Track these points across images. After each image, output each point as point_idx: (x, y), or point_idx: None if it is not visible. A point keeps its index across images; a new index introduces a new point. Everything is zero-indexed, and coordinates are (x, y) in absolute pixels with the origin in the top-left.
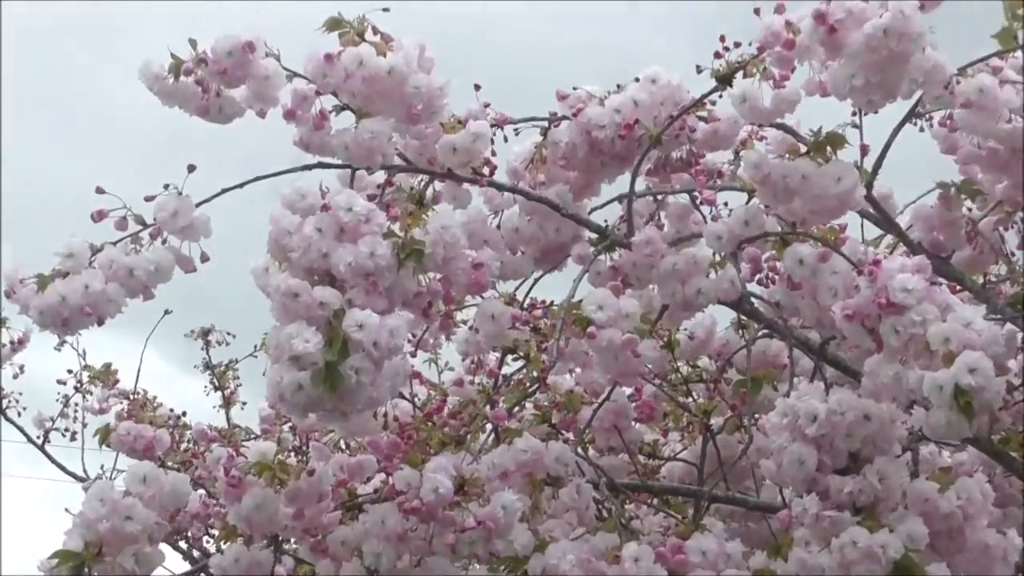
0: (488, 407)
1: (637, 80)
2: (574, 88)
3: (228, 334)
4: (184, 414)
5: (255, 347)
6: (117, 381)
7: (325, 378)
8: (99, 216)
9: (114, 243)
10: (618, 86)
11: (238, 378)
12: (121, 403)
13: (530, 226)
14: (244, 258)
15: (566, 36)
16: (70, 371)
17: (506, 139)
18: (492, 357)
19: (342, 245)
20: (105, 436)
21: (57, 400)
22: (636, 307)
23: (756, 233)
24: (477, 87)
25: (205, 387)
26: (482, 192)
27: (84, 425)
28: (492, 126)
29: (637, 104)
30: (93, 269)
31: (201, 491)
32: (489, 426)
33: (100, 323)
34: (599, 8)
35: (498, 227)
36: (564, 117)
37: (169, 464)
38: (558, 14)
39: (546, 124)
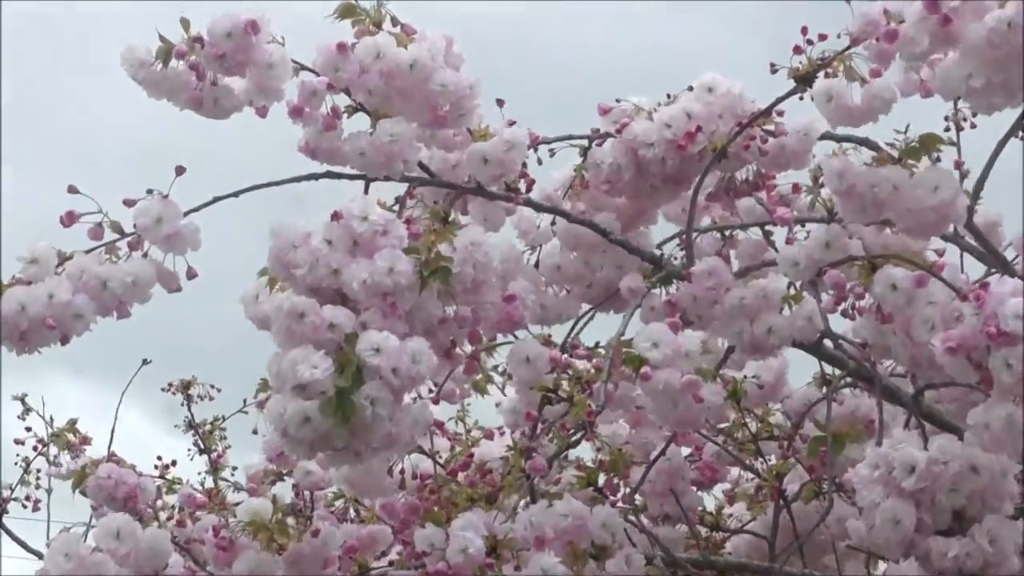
0: (525, 458)
1: (691, 89)
2: (617, 100)
3: (212, 387)
4: (174, 463)
5: (244, 402)
6: (86, 440)
7: (336, 408)
8: (69, 219)
9: (86, 251)
10: (669, 96)
11: (226, 438)
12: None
13: (574, 262)
14: (234, 296)
15: (619, 39)
16: (29, 429)
17: (540, 161)
18: None
19: (356, 260)
20: (80, 480)
21: (16, 464)
22: (697, 344)
23: (839, 257)
24: (500, 103)
25: (189, 450)
26: (516, 225)
27: (49, 492)
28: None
29: (691, 117)
30: (60, 277)
31: (186, 557)
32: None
33: (64, 341)
34: (656, 6)
35: (536, 265)
36: (607, 134)
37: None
38: (609, 11)
39: (586, 143)
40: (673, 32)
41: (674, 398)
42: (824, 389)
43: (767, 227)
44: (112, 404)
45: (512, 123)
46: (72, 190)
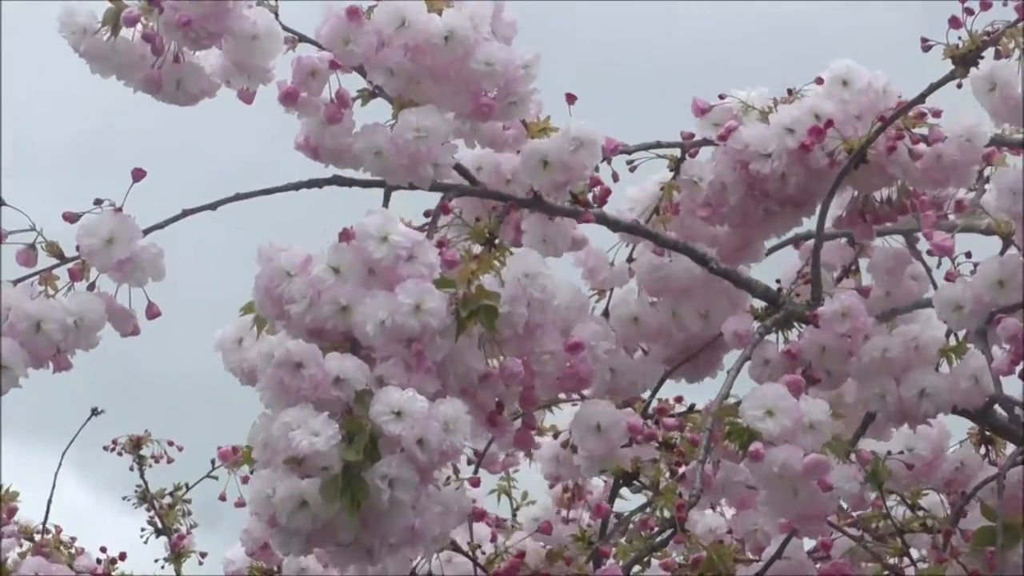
0: (592, 563)
1: (820, 81)
2: (721, 97)
3: (170, 444)
4: (122, 557)
5: (213, 463)
6: (15, 510)
7: (343, 490)
8: None
9: (14, 282)
10: (790, 92)
11: (190, 514)
12: (19, 545)
13: (658, 312)
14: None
15: (718, 7)
16: None
17: (616, 177)
18: (598, 482)
19: (371, 294)
20: None
21: None
22: (826, 413)
23: (1016, 300)
24: (570, 99)
25: (143, 530)
26: (581, 261)
27: None
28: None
29: (820, 119)
30: None
31: None
32: None
33: None
34: None
35: (606, 315)
36: (706, 142)
37: None
38: None
39: (679, 153)
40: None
41: (794, 485)
42: (988, 456)
43: (913, 234)
44: (48, 467)
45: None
46: None
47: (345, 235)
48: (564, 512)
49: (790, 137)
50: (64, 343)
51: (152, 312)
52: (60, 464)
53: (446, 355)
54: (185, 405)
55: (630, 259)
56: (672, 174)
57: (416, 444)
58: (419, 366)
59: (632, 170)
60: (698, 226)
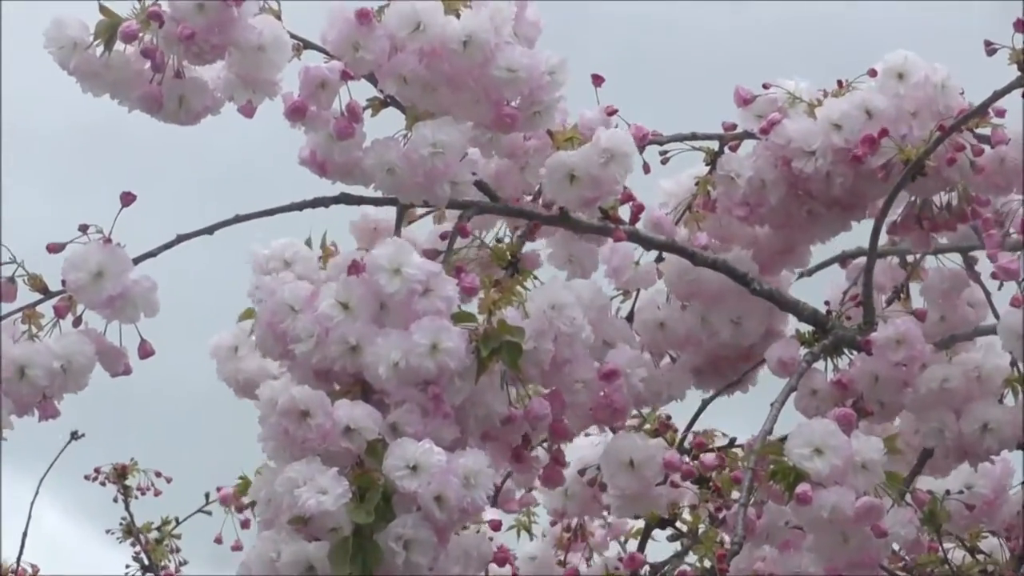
0: None
1: (873, 73)
2: (765, 86)
3: (158, 476)
4: None
5: (207, 497)
6: None
7: (354, 554)
8: None
9: None
10: (840, 84)
11: (179, 550)
12: None
13: (687, 317)
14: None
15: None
16: None
17: (648, 169)
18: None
19: (383, 332)
20: None
21: None
22: (879, 450)
23: None
24: (596, 81)
25: (127, 567)
26: (605, 259)
27: None
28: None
29: (872, 115)
30: None
31: None
32: None
33: None
34: None
35: (630, 318)
36: (747, 135)
37: None
38: None
39: (716, 146)
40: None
41: (845, 530)
42: None
43: (970, 252)
44: (23, 497)
45: (612, 112)
46: None
47: (355, 267)
48: (562, 555)
49: (836, 134)
50: (50, 389)
51: (145, 351)
52: (37, 493)
53: (466, 398)
54: (175, 430)
55: (658, 259)
56: (708, 168)
57: (434, 501)
58: (436, 411)
59: (664, 162)
60: (735, 226)
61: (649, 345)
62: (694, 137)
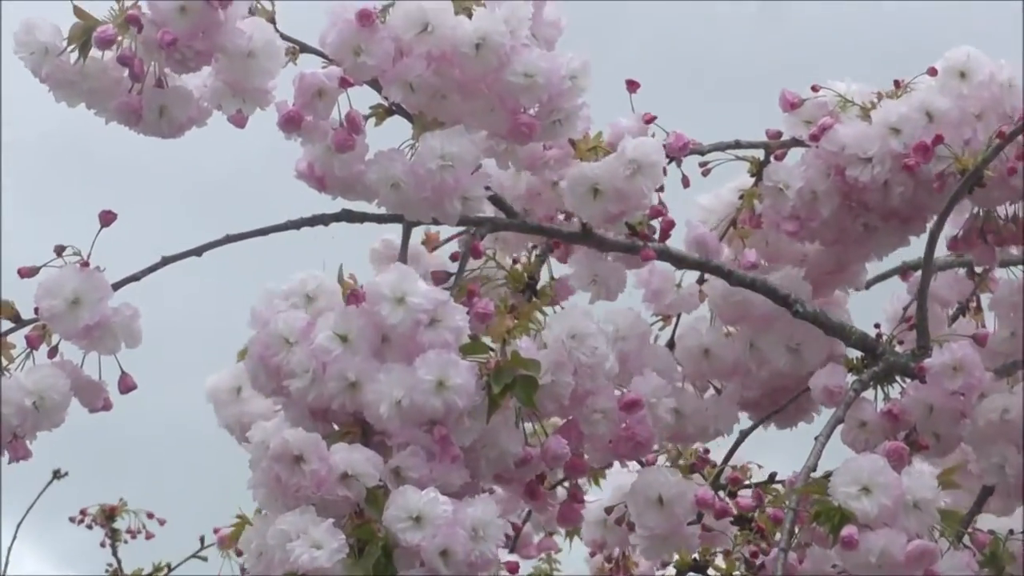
0: None
1: (933, 72)
2: (814, 89)
3: (150, 517)
4: None
5: (202, 541)
6: None
7: None
8: None
9: None
10: (897, 84)
11: None
12: None
13: (734, 343)
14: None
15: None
16: None
17: (686, 182)
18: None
19: (385, 368)
20: None
21: None
22: (933, 489)
23: None
24: (631, 87)
25: None
26: (643, 282)
27: None
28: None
29: (932, 118)
30: None
31: None
32: None
33: None
34: None
35: (671, 346)
36: (795, 142)
37: None
38: None
39: (762, 155)
40: None
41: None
42: None
43: None
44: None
45: (651, 119)
46: None
47: (354, 297)
48: None
49: (895, 138)
50: (22, 428)
51: (126, 385)
52: (15, 536)
53: (476, 439)
54: (168, 468)
55: (701, 280)
56: (753, 180)
57: (439, 556)
58: (443, 454)
59: (705, 174)
60: (783, 243)
61: (693, 375)
62: (738, 145)
